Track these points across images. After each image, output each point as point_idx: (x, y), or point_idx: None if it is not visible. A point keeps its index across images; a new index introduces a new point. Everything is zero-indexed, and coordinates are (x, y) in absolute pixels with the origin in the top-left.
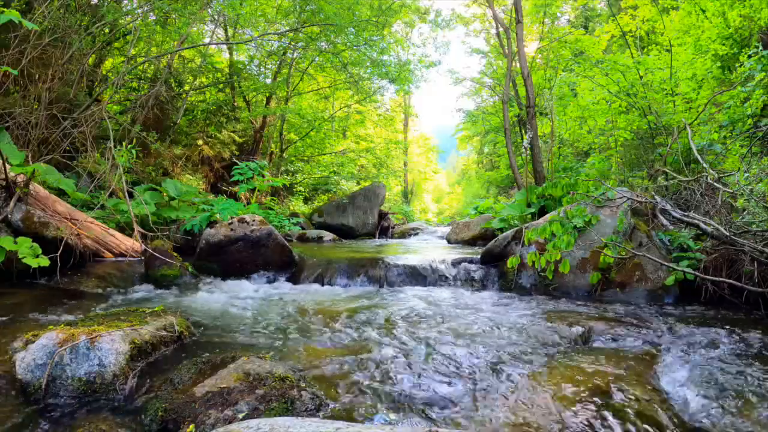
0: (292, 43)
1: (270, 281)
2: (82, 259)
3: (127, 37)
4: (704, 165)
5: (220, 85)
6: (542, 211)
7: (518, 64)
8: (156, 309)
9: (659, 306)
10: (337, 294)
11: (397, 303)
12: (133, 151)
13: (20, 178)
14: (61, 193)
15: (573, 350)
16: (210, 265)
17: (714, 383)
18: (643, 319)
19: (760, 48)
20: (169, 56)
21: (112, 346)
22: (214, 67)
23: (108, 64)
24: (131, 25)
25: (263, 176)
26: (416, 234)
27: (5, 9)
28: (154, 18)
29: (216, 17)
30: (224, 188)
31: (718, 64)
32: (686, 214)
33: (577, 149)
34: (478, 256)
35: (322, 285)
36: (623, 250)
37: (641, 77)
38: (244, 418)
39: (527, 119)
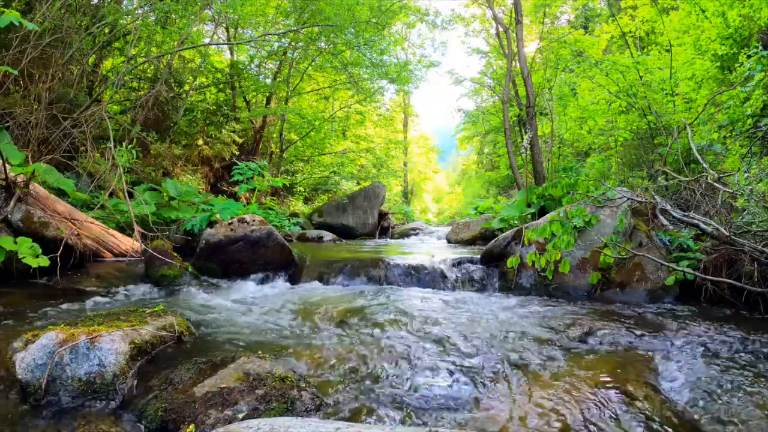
0: (292, 44)
1: (270, 281)
2: (82, 259)
3: (127, 37)
4: (704, 165)
5: (221, 85)
6: (542, 211)
7: (518, 65)
8: (156, 309)
9: (659, 306)
10: (337, 294)
11: (397, 303)
12: (133, 151)
13: (20, 178)
14: (61, 193)
15: (573, 350)
16: (210, 265)
17: (713, 383)
18: (643, 319)
19: (760, 48)
20: (169, 56)
21: (112, 346)
22: (214, 67)
23: (108, 64)
24: (131, 25)
25: (263, 176)
26: (416, 234)
27: (6, 10)
28: (154, 18)
29: (216, 18)
30: (224, 188)
31: (718, 64)
32: (686, 214)
33: (577, 149)
34: (478, 256)
35: (322, 284)
36: (623, 250)
37: (641, 77)
38: (244, 418)
39: (527, 119)
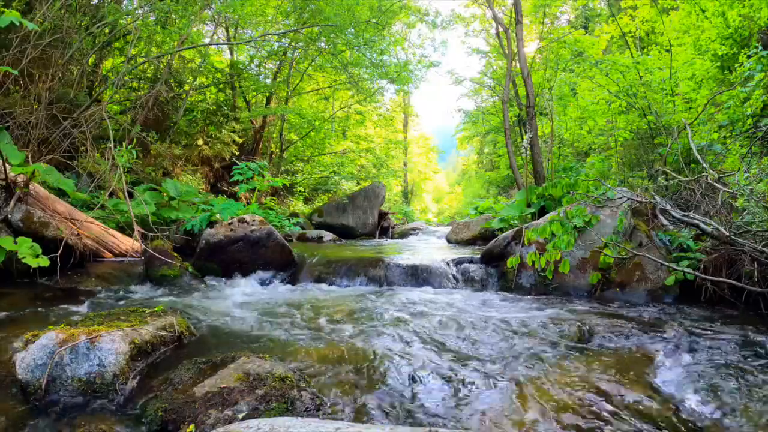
0: (292, 44)
1: (270, 281)
2: (82, 259)
3: (127, 37)
4: (704, 165)
5: (221, 85)
6: (542, 211)
7: (518, 65)
8: (156, 309)
9: (659, 306)
10: (337, 294)
11: (397, 303)
12: (133, 151)
13: (20, 178)
14: (61, 193)
15: (573, 350)
16: (210, 265)
17: (712, 383)
18: (643, 319)
19: (760, 48)
20: (169, 56)
21: (112, 346)
22: (214, 67)
23: (108, 64)
24: (131, 25)
25: (263, 176)
26: (416, 234)
27: (6, 10)
28: (154, 18)
29: (216, 18)
30: (224, 188)
31: (718, 64)
32: (686, 214)
33: (577, 149)
34: (478, 256)
35: (322, 285)
36: (623, 250)
37: (641, 77)
38: (244, 418)
39: (527, 119)
